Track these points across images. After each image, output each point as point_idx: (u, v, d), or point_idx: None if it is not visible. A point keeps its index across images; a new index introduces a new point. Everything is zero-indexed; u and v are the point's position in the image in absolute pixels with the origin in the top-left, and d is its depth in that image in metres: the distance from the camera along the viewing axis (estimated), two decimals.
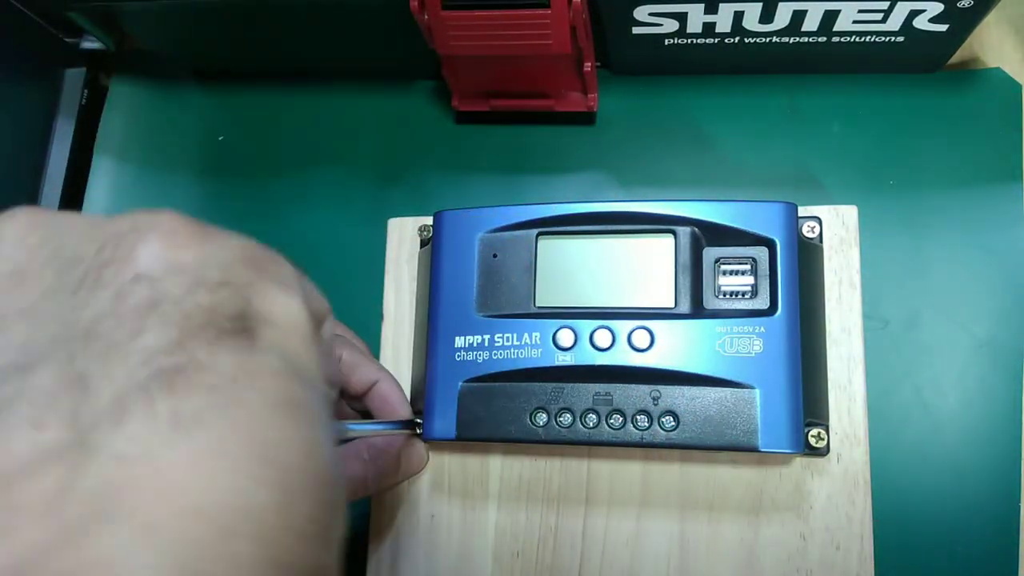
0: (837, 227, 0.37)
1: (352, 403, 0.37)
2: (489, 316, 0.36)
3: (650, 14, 0.38)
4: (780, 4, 0.37)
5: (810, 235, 0.37)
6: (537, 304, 0.36)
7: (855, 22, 0.38)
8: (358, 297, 0.43)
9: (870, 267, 0.38)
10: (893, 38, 0.39)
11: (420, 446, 0.37)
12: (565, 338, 0.35)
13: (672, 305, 0.35)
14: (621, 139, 0.44)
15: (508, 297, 0.36)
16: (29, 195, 0.47)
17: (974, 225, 0.39)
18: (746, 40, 0.40)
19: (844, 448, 0.35)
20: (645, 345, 0.34)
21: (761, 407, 0.33)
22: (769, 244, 0.34)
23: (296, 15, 0.42)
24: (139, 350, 0.15)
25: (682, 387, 0.34)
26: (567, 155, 0.44)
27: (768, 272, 0.34)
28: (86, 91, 0.50)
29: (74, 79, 0.49)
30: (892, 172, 0.41)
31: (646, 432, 0.34)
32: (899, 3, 0.36)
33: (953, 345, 0.38)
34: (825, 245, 0.37)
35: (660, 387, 0.34)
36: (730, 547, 0.36)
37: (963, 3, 0.35)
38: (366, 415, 0.37)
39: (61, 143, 0.48)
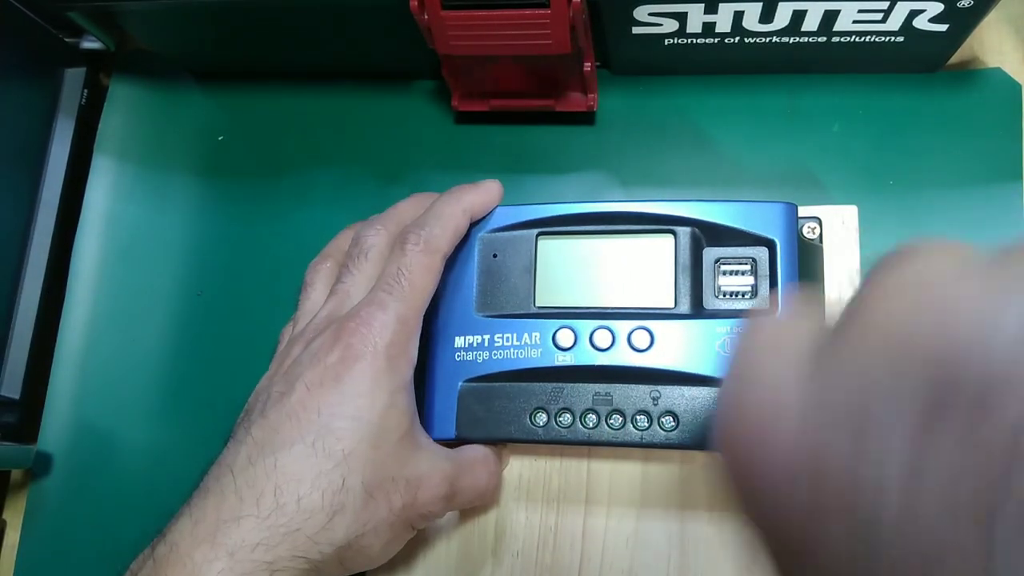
0: (837, 227, 0.37)
1: None
2: (489, 316, 0.36)
3: (650, 14, 0.38)
4: (780, 4, 0.37)
5: (810, 235, 0.37)
6: (537, 304, 0.36)
7: (855, 22, 0.38)
8: None
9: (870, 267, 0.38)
10: (893, 38, 0.39)
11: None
12: (565, 338, 0.35)
13: (672, 305, 0.35)
14: (621, 139, 0.44)
15: (508, 297, 0.36)
16: (28, 195, 0.47)
17: (974, 225, 0.39)
18: (746, 40, 0.40)
19: None
20: (645, 345, 0.34)
21: None
22: (769, 244, 0.34)
23: (296, 15, 0.42)
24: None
25: (682, 387, 0.34)
26: (567, 155, 0.44)
27: (768, 272, 0.34)
28: (86, 91, 0.50)
29: (74, 79, 0.49)
30: (892, 172, 0.41)
31: (646, 432, 0.34)
32: (899, 3, 0.36)
33: None
34: (825, 245, 0.37)
35: (660, 387, 0.34)
36: (730, 547, 0.36)
37: (963, 3, 0.35)
38: None
39: (61, 143, 0.48)
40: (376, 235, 0.36)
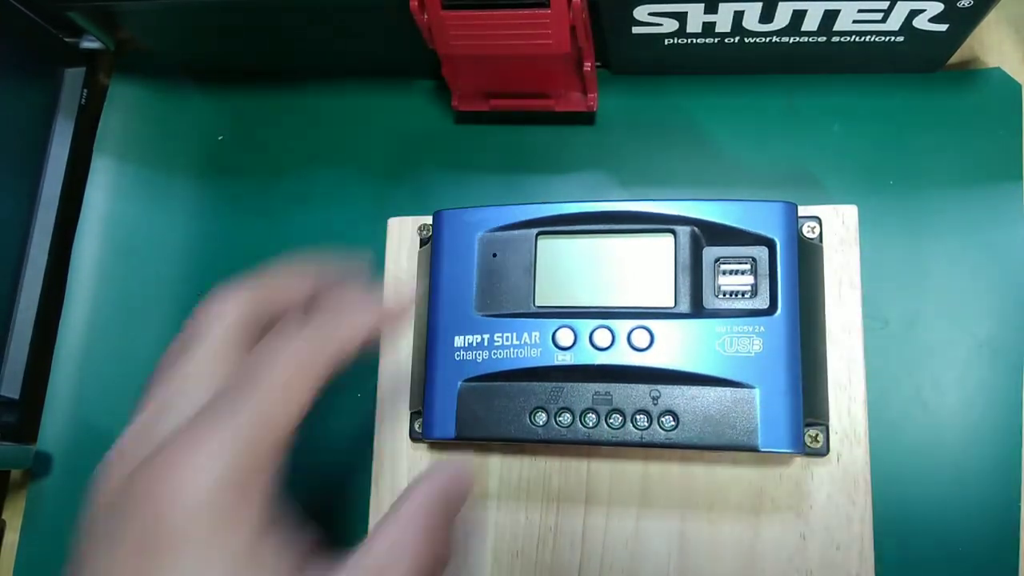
0: (837, 227, 0.37)
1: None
2: (489, 315, 0.36)
3: (650, 14, 0.38)
4: (780, 4, 0.37)
5: (810, 235, 0.37)
6: (537, 304, 0.36)
7: (855, 22, 0.38)
8: None
9: (870, 267, 0.38)
10: (893, 38, 0.39)
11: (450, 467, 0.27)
12: (564, 337, 0.35)
13: (672, 305, 0.35)
14: (621, 139, 0.44)
15: (508, 296, 0.36)
16: (28, 195, 0.47)
17: (974, 225, 0.39)
18: (746, 40, 0.40)
19: (844, 448, 0.35)
20: (645, 345, 0.34)
21: (761, 407, 0.33)
22: (769, 244, 0.34)
23: (296, 15, 0.42)
24: None
25: (682, 387, 0.34)
26: (567, 155, 0.44)
27: (768, 272, 0.34)
28: (86, 91, 0.50)
29: (74, 79, 0.49)
30: (892, 172, 0.41)
31: (646, 432, 0.34)
32: (899, 3, 0.36)
33: (953, 345, 0.38)
34: (825, 245, 0.37)
35: (660, 387, 0.34)
36: (730, 547, 0.36)
37: (963, 3, 0.35)
38: None
39: (60, 143, 0.48)
40: (222, 313, 0.26)
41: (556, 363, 0.34)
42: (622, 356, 0.34)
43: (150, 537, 0.21)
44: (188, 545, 0.20)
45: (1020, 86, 0.41)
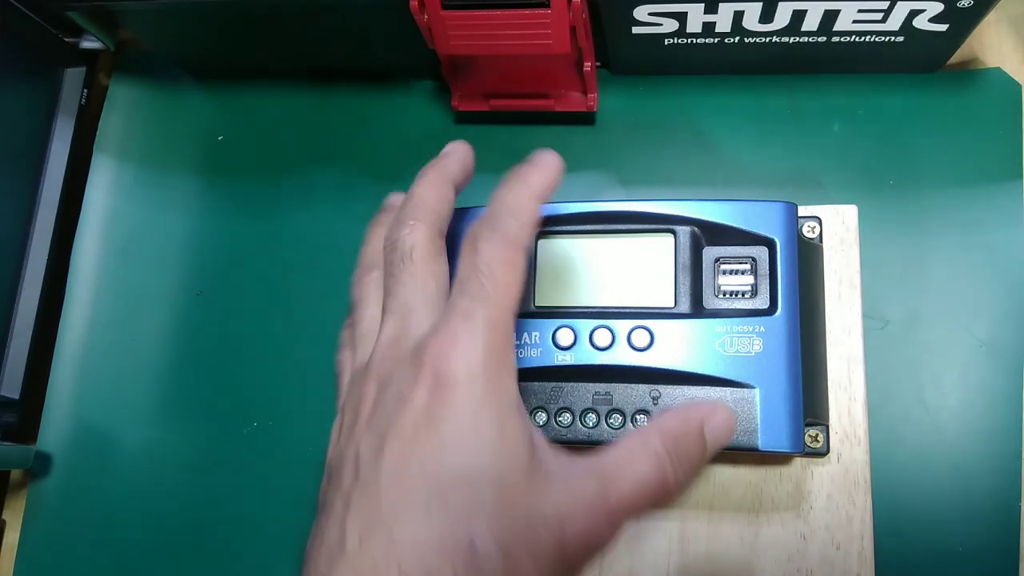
0: (837, 227, 0.37)
1: None
2: None
3: (650, 14, 0.38)
4: (780, 4, 0.37)
5: (810, 235, 0.37)
6: (536, 303, 0.36)
7: (855, 22, 0.38)
8: None
9: (870, 267, 0.38)
10: (893, 38, 0.39)
11: (723, 406, 0.29)
12: (564, 337, 0.35)
13: (672, 305, 0.35)
14: (621, 139, 0.44)
15: None
16: (28, 195, 0.47)
17: (974, 225, 0.39)
18: (746, 40, 0.40)
19: (844, 448, 0.35)
20: (645, 344, 0.34)
21: (761, 407, 0.33)
22: (769, 244, 0.34)
23: (296, 15, 0.42)
24: None
25: (682, 387, 0.34)
26: (567, 155, 0.44)
27: (768, 272, 0.34)
28: (86, 91, 0.50)
29: (74, 79, 0.49)
30: (892, 172, 0.41)
31: None
32: (899, 3, 0.36)
33: (953, 345, 0.38)
34: (825, 245, 0.37)
35: (660, 387, 0.34)
36: (730, 547, 0.36)
37: (963, 3, 0.35)
38: None
39: (61, 143, 0.48)
40: (412, 231, 0.30)
41: (556, 363, 0.35)
42: (622, 356, 0.34)
43: (440, 383, 0.26)
44: (470, 397, 0.26)
45: (1020, 86, 0.41)
